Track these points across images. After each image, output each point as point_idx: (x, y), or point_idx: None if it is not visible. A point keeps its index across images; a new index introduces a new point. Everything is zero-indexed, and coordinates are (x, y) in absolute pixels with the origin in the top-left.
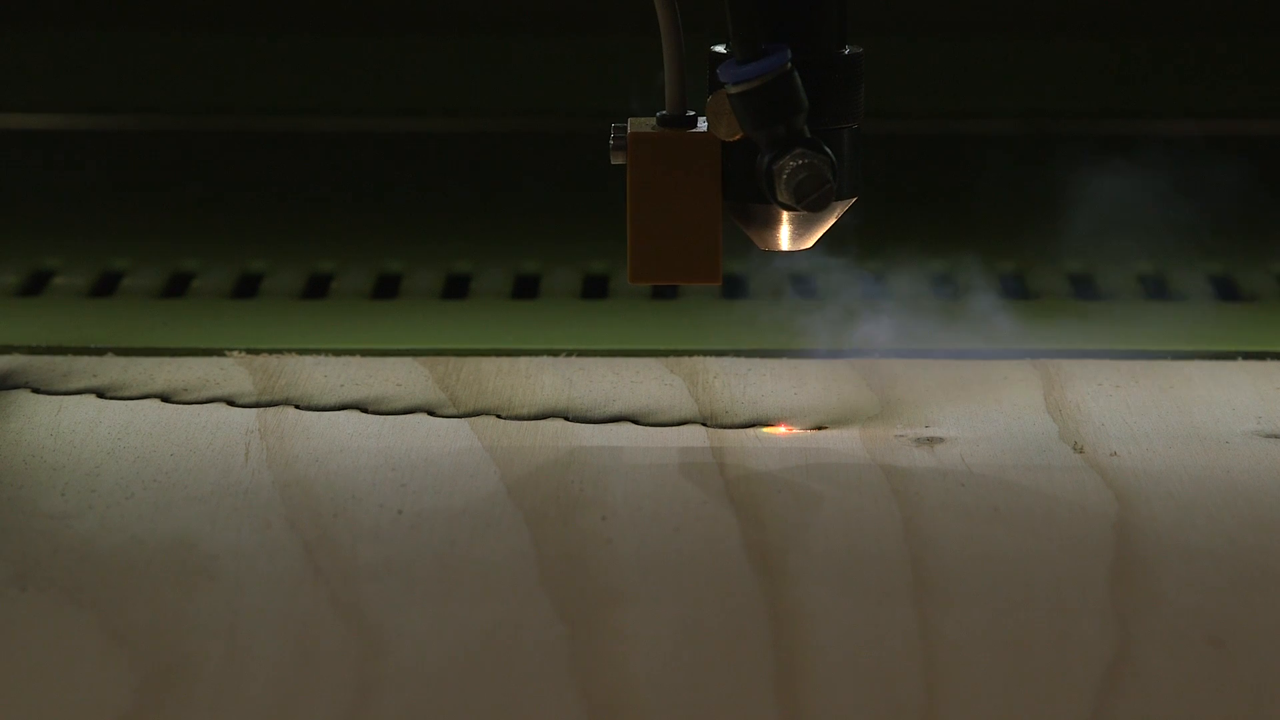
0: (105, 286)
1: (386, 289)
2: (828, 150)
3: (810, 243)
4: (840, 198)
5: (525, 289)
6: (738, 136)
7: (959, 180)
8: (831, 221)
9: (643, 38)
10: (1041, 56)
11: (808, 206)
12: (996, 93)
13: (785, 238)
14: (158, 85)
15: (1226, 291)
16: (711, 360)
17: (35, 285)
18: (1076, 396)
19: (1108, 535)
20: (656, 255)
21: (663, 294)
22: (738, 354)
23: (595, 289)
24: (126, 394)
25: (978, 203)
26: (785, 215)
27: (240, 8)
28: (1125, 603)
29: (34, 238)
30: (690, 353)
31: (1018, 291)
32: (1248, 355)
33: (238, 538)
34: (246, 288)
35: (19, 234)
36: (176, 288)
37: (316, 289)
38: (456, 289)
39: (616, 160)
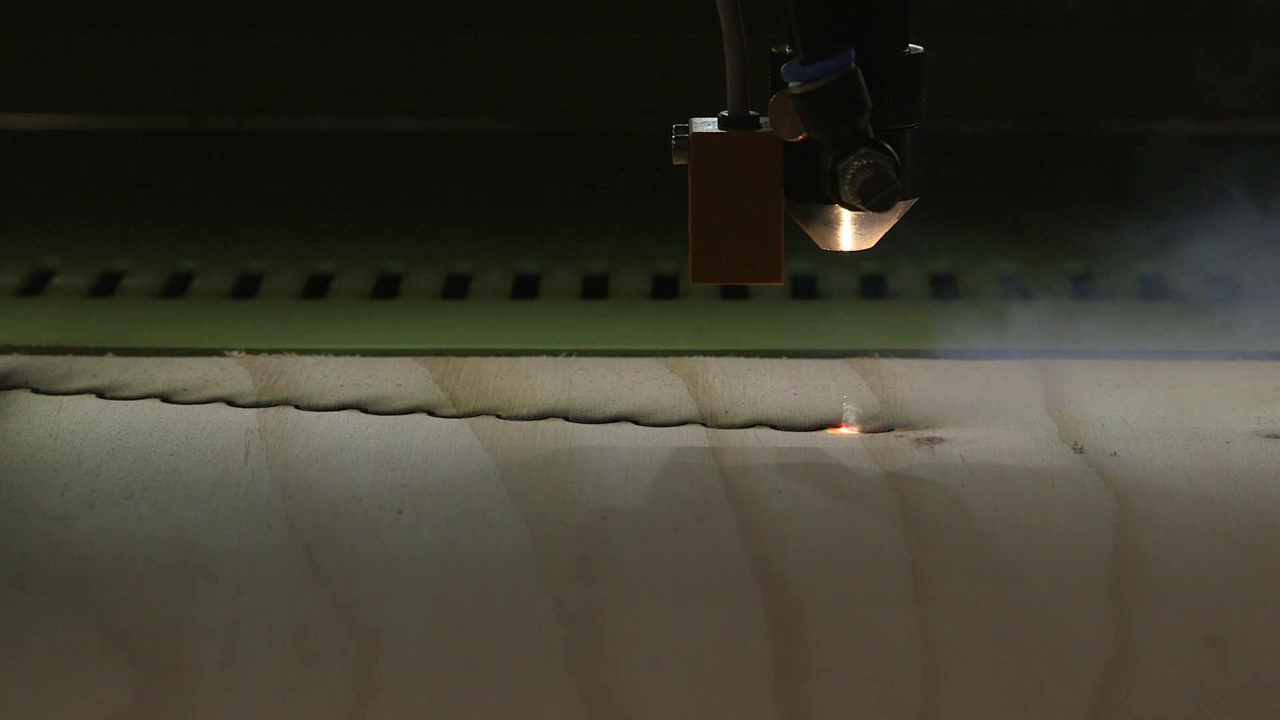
0: (105, 286)
1: (386, 289)
2: (892, 150)
3: (872, 243)
4: (903, 198)
5: (525, 289)
6: (801, 137)
7: (960, 178)
8: (893, 222)
9: (643, 37)
10: (1032, 55)
11: (873, 207)
12: (994, 91)
13: (847, 238)
14: (158, 85)
15: (1227, 291)
16: (711, 360)
17: (35, 285)
18: (1076, 396)
19: (1108, 535)
20: (718, 256)
21: (662, 294)
22: (738, 354)
23: (595, 289)
24: (126, 394)
25: (977, 202)
26: (847, 215)
27: (240, 8)
28: (1125, 603)
29: (34, 238)
30: (690, 353)
31: (1017, 291)
32: (1248, 355)
33: (238, 538)
34: (246, 288)
35: (19, 234)
36: (176, 288)
37: (316, 289)
38: (456, 289)
39: (678, 161)
